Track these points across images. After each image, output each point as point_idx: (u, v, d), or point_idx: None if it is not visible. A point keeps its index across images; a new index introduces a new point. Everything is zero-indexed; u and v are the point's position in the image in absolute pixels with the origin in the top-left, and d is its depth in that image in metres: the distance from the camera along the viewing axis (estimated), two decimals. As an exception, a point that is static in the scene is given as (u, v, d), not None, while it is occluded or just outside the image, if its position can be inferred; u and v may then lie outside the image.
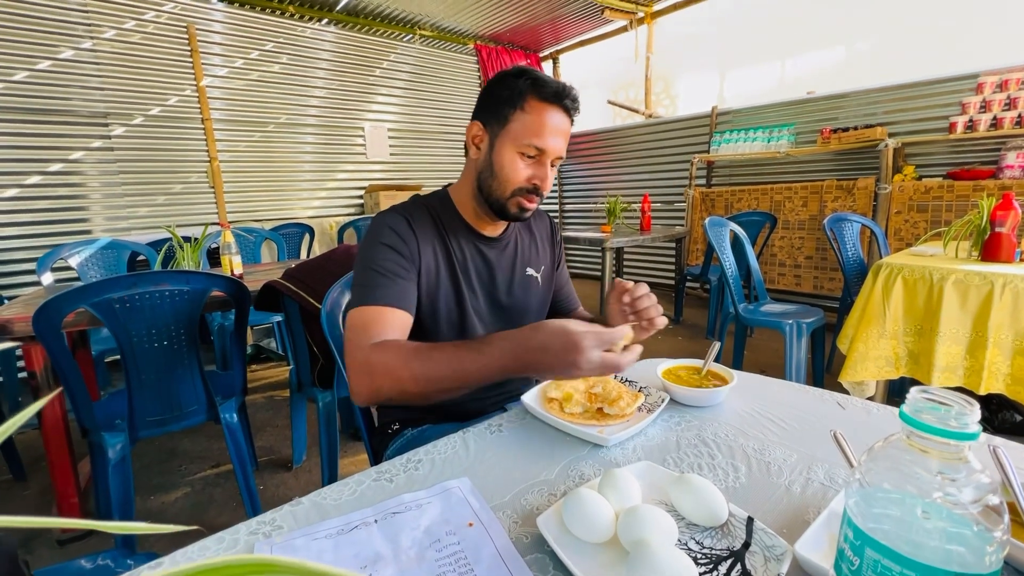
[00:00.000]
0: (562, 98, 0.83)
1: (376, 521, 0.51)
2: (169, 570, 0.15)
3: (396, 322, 0.80)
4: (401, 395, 0.72)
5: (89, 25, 3.10)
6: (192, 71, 3.49)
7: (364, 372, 0.73)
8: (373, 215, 4.03)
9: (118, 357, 1.32)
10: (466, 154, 0.92)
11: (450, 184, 0.98)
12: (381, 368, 0.72)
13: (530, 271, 1.01)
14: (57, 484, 1.49)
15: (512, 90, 0.83)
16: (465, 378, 0.69)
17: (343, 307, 1.08)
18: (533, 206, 0.88)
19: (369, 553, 0.47)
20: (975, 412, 0.31)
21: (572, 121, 0.87)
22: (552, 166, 0.86)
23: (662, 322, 0.79)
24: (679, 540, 0.46)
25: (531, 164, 0.85)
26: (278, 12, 4.11)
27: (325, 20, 4.44)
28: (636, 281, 0.82)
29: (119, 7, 3.19)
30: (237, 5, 3.86)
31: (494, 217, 0.91)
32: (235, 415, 1.48)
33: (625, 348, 0.65)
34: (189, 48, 3.47)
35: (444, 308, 0.90)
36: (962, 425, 0.30)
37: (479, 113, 0.88)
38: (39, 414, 1.46)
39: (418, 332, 0.88)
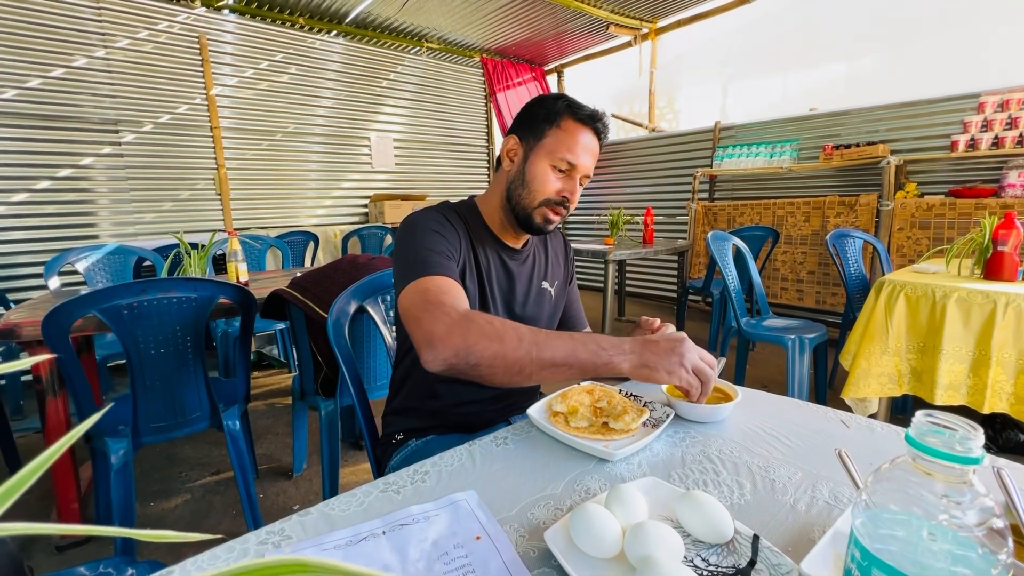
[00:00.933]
0: (595, 121, 0.89)
1: (384, 533, 0.51)
2: (206, 574, 0.16)
3: (464, 296, 0.81)
4: (492, 358, 0.69)
5: (103, 34, 3.15)
6: (202, 80, 3.54)
7: (458, 326, 0.70)
8: (377, 224, 4.06)
9: (121, 362, 1.33)
10: (497, 167, 0.96)
11: (475, 195, 1.01)
12: (483, 324, 0.70)
13: (545, 285, 1.04)
14: (58, 489, 1.49)
15: (550, 110, 0.89)
16: (578, 355, 0.70)
17: (350, 315, 1.09)
18: (557, 219, 0.92)
19: (377, 565, 0.47)
20: (979, 437, 0.31)
21: (601, 145, 0.92)
22: (580, 183, 0.91)
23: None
24: (685, 557, 0.46)
25: (561, 178, 0.90)
26: (288, 24, 4.18)
27: (334, 32, 4.51)
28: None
29: (133, 17, 3.25)
30: (248, 17, 3.92)
31: (518, 229, 0.95)
32: (237, 422, 1.49)
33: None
34: (200, 58, 3.52)
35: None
36: (966, 449, 0.31)
37: (516, 128, 0.93)
38: (43, 418, 1.46)
39: None
